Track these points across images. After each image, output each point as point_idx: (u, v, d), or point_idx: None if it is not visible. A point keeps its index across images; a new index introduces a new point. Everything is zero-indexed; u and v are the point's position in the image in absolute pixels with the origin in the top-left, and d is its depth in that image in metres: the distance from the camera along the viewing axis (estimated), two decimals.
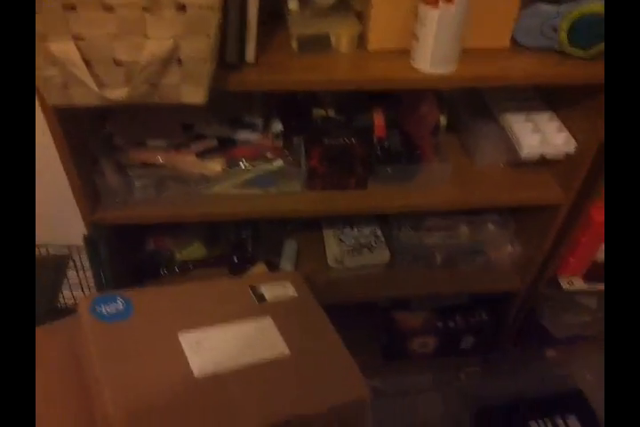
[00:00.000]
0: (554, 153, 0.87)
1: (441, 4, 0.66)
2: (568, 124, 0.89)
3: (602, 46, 0.73)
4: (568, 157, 0.88)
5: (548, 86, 0.88)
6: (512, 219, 1.08)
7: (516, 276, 1.10)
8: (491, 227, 1.09)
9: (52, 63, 0.59)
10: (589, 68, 0.75)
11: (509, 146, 0.90)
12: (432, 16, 0.68)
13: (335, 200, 0.90)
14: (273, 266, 1.05)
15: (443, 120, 0.90)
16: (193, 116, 0.83)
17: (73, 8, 0.56)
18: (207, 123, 0.84)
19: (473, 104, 0.97)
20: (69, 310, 1.02)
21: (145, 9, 0.56)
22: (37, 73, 0.60)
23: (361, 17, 0.76)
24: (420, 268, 1.10)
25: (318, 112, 0.88)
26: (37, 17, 0.55)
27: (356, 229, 1.13)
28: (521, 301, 1.13)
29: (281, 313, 0.81)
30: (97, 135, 0.85)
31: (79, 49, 0.58)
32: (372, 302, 1.20)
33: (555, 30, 0.75)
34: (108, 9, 0.56)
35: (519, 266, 1.09)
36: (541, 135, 0.87)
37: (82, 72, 0.59)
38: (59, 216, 1.08)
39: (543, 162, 0.90)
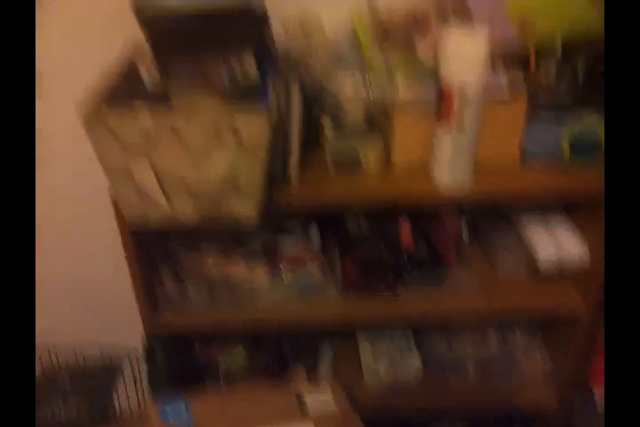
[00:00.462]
0: (570, 264, 0.93)
1: (454, 124, 0.78)
2: (586, 234, 0.95)
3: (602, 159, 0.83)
4: (586, 267, 0.94)
5: (557, 198, 0.97)
6: (539, 327, 1.11)
7: (548, 387, 1.10)
8: (519, 335, 1.11)
9: (134, 187, 0.72)
10: (592, 179, 0.84)
11: (529, 255, 0.97)
12: (446, 135, 0.80)
13: (368, 306, 0.97)
14: (310, 371, 1.08)
15: (464, 229, 0.98)
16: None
17: (152, 140, 0.69)
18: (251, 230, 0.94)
19: (493, 213, 1.05)
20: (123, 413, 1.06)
21: (209, 136, 0.69)
22: (116, 191, 0.72)
23: (386, 137, 0.88)
24: (453, 378, 1.12)
25: (351, 222, 0.97)
26: (120, 147, 0.69)
27: (389, 337, 1.17)
28: (556, 415, 1.11)
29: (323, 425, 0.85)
30: (157, 246, 0.96)
31: (155, 174, 0.70)
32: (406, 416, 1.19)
33: (559, 143, 0.86)
34: (180, 139, 0.69)
35: (550, 376, 1.09)
36: (558, 247, 0.94)
37: (157, 193, 0.71)
38: (114, 319, 1.17)
39: (563, 272, 0.95)
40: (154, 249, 0.96)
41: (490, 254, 1.05)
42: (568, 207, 1.01)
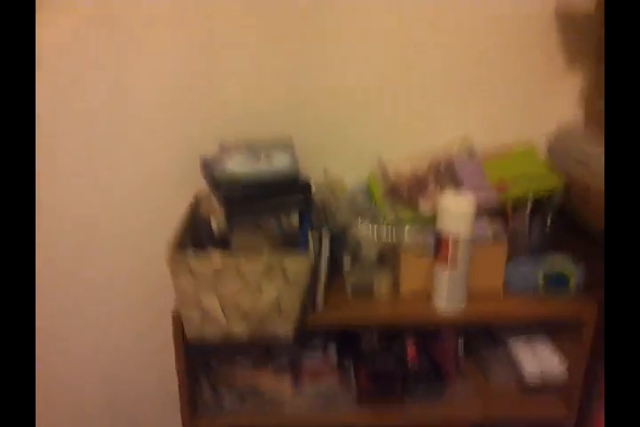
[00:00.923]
0: (552, 378, 1.10)
1: (448, 264, 0.99)
2: (564, 351, 1.12)
3: (570, 292, 1.04)
4: (565, 380, 1.10)
5: (536, 322, 1.16)
6: None
7: None
8: None
9: (200, 311, 0.91)
10: (567, 308, 1.04)
11: (517, 370, 1.13)
12: (443, 273, 1.00)
13: (379, 415, 1.11)
14: None
15: (461, 347, 1.16)
16: None
17: (219, 276, 0.89)
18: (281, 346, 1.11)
19: (485, 333, 1.23)
20: None
21: (263, 273, 0.89)
22: (182, 314, 0.91)
23: (395, 271, 1.08)
24: None
25: (365, 340, 1.15)
26: (194, 281, 0.88)
27: None
28: None
29: None
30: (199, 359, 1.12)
31: (219, 301, 0.90)
32: None
33: (535, 278, 1.06)
34: (241, 275, 0.89)
35: None
36: (541, 363, 1.11)
37: (219, 316, 0.89)
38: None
39: (546, 384, 1.12)
40: (196, 361, 1.12)
41: (483, 369, 1.21)
42: (548, 329, 1.19)
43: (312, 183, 0.99)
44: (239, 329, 0.92)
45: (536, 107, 1.20)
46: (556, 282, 1.05)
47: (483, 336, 1.24)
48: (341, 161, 1.18)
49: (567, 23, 1.12)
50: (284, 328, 0.94)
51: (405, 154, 1.16)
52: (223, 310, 0.90)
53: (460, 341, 1.17)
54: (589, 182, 1.03)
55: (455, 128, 1.18)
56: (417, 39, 1.13)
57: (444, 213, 0.99)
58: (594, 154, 1.03)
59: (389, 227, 1.06)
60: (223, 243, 0.96)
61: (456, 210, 0.98)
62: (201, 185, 1.07)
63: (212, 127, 1.13)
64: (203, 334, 0.94)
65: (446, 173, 1.09)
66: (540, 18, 1.12)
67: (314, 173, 1.15)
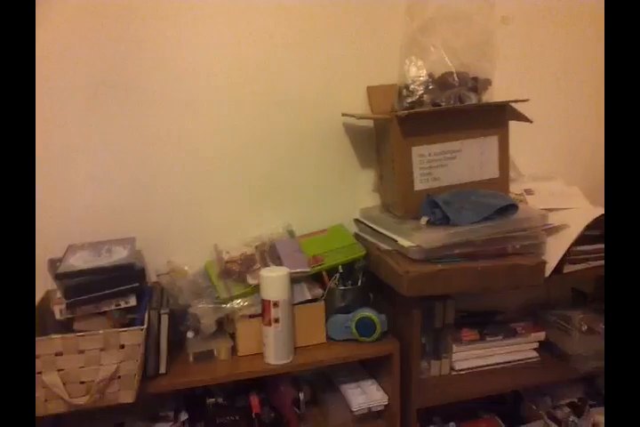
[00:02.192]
0: (376, 407, 1.25)
1: (272, 324, 1.15)
2: (382, 383, 1.30)
3: (377, 335, 1.22)
4: (387, 405, 1.26)
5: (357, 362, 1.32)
6: None
7: None
8: None
9: (43, 389, 0.98)
10: (376, 348, 1.22)
11: (348, 405, 1.27)
12: (269, 331, 1.15)
13: None
14: None
15: (302, 395, 1.27)
16: (124, 416, 1.18)
17: (60, 354, 0.99)
18: (134, 419, 1.18)
19: (324, 380, 1.37)
20: None
21: (101, 349, 1.00)
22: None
23: (232, 336, 1.22)
24: None
25: (211, 400, 1.24)
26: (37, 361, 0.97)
27: None
28: None
29: None
30: None
31: (60, 376, 0.98)
32: None
33: (349, 328, 1.24)
34: (81, 352, 0.99)
35: None
36: (366, 396, 1.26)
37: (61, 391, 0.97)
38: None
39: (377, 415, 1.26)
40: None
41: (323, 411, 1.33)
42: (369, 367, 1.36)
43: (155, 271, 1.15)
44: (81, 400, 0.99)
45: (343, 196, 1.46)
46: (366, 328, 1.24)
47: (322, 384, 1.38)
48: (183, 251, 1.35)
49: (356, 138, 1.43)
50: (125, 396, 1.02)
51: (237, 241, 1.35)
52: (65, 386, 0.98)
53: (301, 392, 1.29)
54: (379, 254, 1.26)
55: (278, 217, 1.41)
56: (240, 153, 1.37)
57: (265, 283, 1.17)
58: (381, 232, 1.28)
59: (224, 301, 1.21)
60: (66, 328, 1.06)
61: (273, 280, 1.16)
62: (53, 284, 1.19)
63: (62, 231, 1.26)
64: (47, 411, 1.00)
65: (269, 253, 1.29)
66: (337, 133, 1.41)
67: (160, 264, 1.31)
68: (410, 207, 1.26)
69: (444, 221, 1.18)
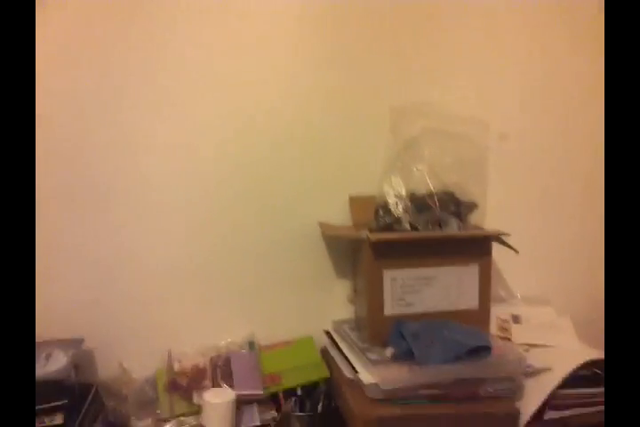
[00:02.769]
0: None
1: None
2: None
3: None
4: None
5: None
6: None
7: None
8: None
9: None
10: None
11: None
12: None
13: None
14: None
15: None
16: None
17: None
18: None
19: None
20: None
21: None
22: None
23: None
24: None
25: None
26: None
27: None
28: None
29: None
30: None
31: None
32: None
33: None
34: None
35: None
36: None
37: None
38: None
39: None
40: None
41: None
42: None
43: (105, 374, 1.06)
44: None
45: (316, 305, 1.37)
46: None
47: None
48: (137, 354, 1.26)
49: (335, 245, 1.36)
50: None
51: (194, 347, 1.26)
52: None
53: None
54: (340, 381, 1.15)
55: (243, 324, 1.32)
56: (207, 257, 1.30)
57: (207, 409, 1.07)
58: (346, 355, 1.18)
59: (165, 419, 1.11)
60: None
61: (216, 407, 1.06)
62: None
63: None
64: None
65: (223, 367, 1.19)
66: (314, 239, 1.35)
67: (111, 366, 1.22)
68: (378, 333, 1.16)
69: (411, 355, 1.08)
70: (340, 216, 1.34)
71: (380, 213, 1.17)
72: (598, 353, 1.16)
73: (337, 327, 1.34)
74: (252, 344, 1.28)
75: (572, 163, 1.47)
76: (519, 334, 1.28)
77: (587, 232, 1.50)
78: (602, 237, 1.46)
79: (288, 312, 1.36)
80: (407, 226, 1.16)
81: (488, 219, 1.28)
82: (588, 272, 1.51)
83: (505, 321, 1.34)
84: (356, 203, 1.32)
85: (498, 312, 1.35)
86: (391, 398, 1.04)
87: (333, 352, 1.27)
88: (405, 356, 1.08)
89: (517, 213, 1.44)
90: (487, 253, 1.17)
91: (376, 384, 1.03)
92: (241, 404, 1.14)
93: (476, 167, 1.30)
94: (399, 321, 1.15)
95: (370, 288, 1.15)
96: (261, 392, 1.15)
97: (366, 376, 1.06)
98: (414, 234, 1.13)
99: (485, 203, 1.28)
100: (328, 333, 1.34)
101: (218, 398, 1.06)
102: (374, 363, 1.08)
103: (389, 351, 1.10)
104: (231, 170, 1.28)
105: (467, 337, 1.09)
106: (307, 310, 1.37)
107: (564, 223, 1.48)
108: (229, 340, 1.28)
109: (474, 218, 1.26)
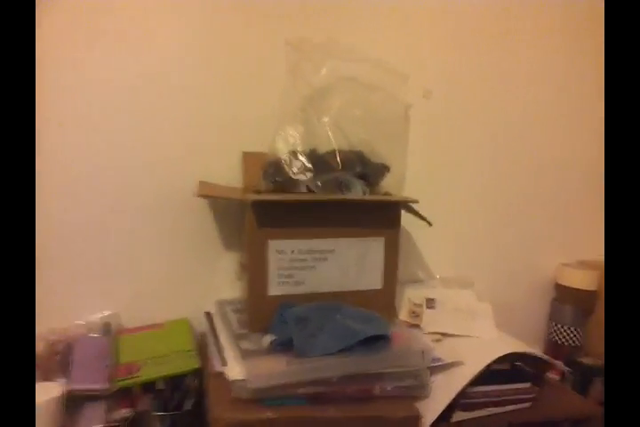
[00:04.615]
0: None
1: None
2: None
3: None
4: None
5: None
6: None
7: None
8: None
9: None
10: None
11: None
12: None
13: None
14: None
15: None
16: None
17: None
18: None
19: None
20: None
21: None
22: None
23: None
24: None
25: None
26: None
27: None
28: None
29: None
30: None
31: None
32: None
33: None
34: None
35: None
36: None
37: None
38: None
39: None
40: None
41: None
42: None
43: None
44: None
45: (198, 281, 1.13)
46: None
47: None
48: None
49: (224, 210, 1.11)
50: None
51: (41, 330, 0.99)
52: None
53: None
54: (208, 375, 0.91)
55: (101, 305, 1.06)
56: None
57: None
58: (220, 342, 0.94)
59: None
60: None
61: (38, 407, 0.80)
62: None
63: None
64: None
65: (63, 355, 0.93)
66: (199, 202, 1.10)
67: None
68: (259, 317, 0.93)
69: (291, 345, 0.85)
70: (234, 177, 1.10)
71: (270, 171, 0.92)
72: (517, 345, 0.98)
73: (221, 308, 1.10)
74: (107, 327, 1.02)
75: (508, 128, 1.27)
76: (431, 321, 1.08)
77: (519, 208, 1.31)
78: (537, 213, 1.33)
79: (161, 289, 1.11)
80: (303, 188, 0.92)
81: (408, 189, 1.06)
82: (515, 253, 1.33)
83: (417, 305, 1.13)
84: (249, 160, 1.07)
85: (410, 295, 1.15)
86: (262, 397, 0.81)
87: (210, 339, 1.03)
88: (285, 346, 0.86)
89: (441, 183, 1.24)
90: (395, 224, 0.96)
91: (243, 381, 0.80)
92: (84, 401, 0.89)
93: (394, 126, 1.07)
94: (285, 303, 0.92)
95: (251, 262, 0.91)
96: (105, 387, 0.90)
97: (233, 370, 0.83)
98: (303, 196, 0.89)
99: (405, 169, 1.06)
100: (209, 314, 1.10)
101: (39, 396, 0.80)
102: (246, 354, 0.85)
103: (267, 340, 0.87)
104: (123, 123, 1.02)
105: (363, 324, 0.87)
106: (186, 287, 1.12)
107: (494, 197, 1.29)
108: (81, 322, 1.01)
109: (389, 186, 1.04)
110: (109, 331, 1.01)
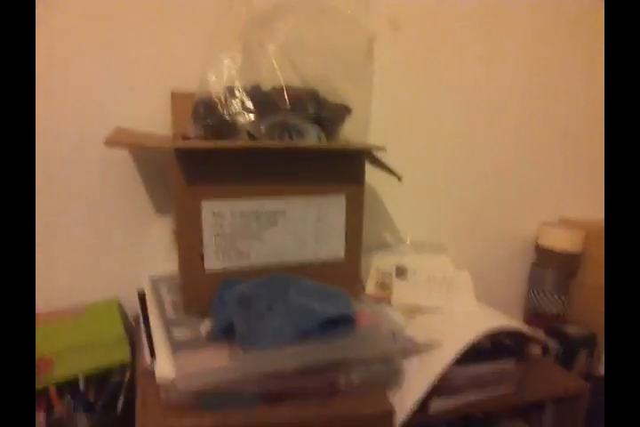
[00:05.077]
0: None
1: None
2: None
3: None
4: None
5: None
6: None
7: None
8: None
9: None
10: None
11: None
12: None
13: None
14: None
15: None
16: None
17: None
18: None
19: None
20: None
21: None
22: None
23: None
24: None
25: None
26: None
27: None
28: None
29: None
30: None
31: None
32: None
33: None
34: None
35: None
36: None
37: None
38: None
39: None
40: None
41: None
42: None
43: None
44: None
45: (127, 257, 0.93)
46: None
47: None
48: None
49: (155, 166, 0.91)
50: None
51: None
52: None
53: None
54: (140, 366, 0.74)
55: None
56: None
57: None
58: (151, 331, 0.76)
59: None
60: None
61: None
62: None
63: None
64: None
65: None
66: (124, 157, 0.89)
67: None
68: (196, 297, 0.75)
69: (233, 333, 0.68)
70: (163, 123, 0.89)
71: (200, 112, 0.72)
72: (501, 319, 0.83)
73: (155, 286, 0.91)
74: None
75: (491, 70, 1.09)
76: (402, 293, 0.92)
77: (499, 160, 1.15)
78: (518, 167, 1.17)
79: (82, 264, 0.91)
80: (243, 134, 0.72)
81: (373, 137, 0.88)
82: (492, 212, 1.18)
83: (386, 274, 0.97)
84: (179, 102, 0.86)
85: (378, 262, 0.99)
86: (200, 400, 0.64)
87: (141, 326, 0.84)
88: (228, 333, 0.68)
89: (412, 131, 1.06)
90: (358, 177, 0.78)
91: (172, 380, 0.63)
92: None
93: (357, 60, 0.87)
94: (228, 280, 0.74)
95: (181, 229, 0.72)
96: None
97: (162, 368, 0.65)
98: (242, 143, 0.70)
99: (369, 114, 0.87)
100: (142, 295, 0.91)
101: None
102: (178, 346, 0.67)
103: (204, 328, 0.70)
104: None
105: (321, 302, 0.70)
106: (113, 261, 0.93)
107: (471, 148, 1.12)
108: None
109: (351, 133, 0.86)
110: None
